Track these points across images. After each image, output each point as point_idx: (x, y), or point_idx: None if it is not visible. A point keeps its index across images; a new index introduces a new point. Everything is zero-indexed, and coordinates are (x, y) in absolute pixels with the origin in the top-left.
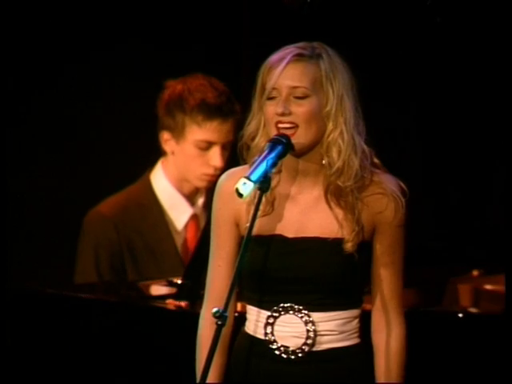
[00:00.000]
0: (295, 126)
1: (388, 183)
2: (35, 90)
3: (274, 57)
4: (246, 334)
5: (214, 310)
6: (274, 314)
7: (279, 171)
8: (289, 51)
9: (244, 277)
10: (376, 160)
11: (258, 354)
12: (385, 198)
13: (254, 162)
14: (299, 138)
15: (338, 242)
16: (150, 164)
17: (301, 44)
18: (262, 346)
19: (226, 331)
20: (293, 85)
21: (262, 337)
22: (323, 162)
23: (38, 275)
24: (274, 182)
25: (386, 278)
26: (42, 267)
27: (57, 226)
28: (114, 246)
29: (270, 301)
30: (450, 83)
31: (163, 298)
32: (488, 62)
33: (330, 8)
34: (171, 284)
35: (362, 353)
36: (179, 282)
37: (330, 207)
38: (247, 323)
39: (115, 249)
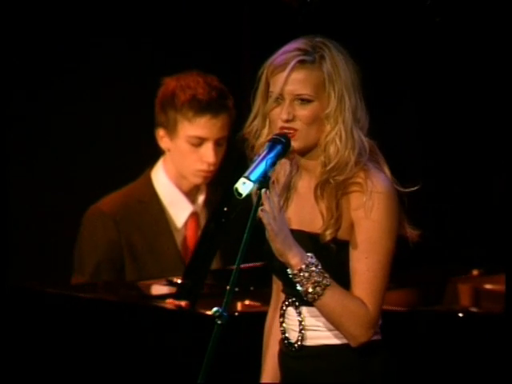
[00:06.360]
0: (297, 130)
1: (372, 181)
2: (35, 90)
3: (278, 59)
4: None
5: (214, 309)
6: (283, 307)
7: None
8: (292, 55)
9: None
10: (378, 153)
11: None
12: (363, 195)
13: (253, 162)
14: (299, 141)
15: (316, 235)
16: (151, 162)
17: (303, 43)
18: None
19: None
20: (297, 92)
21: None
22: (321, 159)
23: (38, 275)
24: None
25: (358, 272)
26: (41, 267)
27: (57, 226)
28: (114, 243)
29: (284, 292)
30: (449, 83)
31: (163, 297)
32: (488, 61)
33: (329, 7)
34: (171, 284)
35: (352, 353)
36: (179, 281)
37: (317, 201)
38: None
39: (115, 246)
